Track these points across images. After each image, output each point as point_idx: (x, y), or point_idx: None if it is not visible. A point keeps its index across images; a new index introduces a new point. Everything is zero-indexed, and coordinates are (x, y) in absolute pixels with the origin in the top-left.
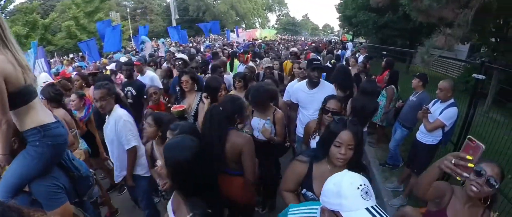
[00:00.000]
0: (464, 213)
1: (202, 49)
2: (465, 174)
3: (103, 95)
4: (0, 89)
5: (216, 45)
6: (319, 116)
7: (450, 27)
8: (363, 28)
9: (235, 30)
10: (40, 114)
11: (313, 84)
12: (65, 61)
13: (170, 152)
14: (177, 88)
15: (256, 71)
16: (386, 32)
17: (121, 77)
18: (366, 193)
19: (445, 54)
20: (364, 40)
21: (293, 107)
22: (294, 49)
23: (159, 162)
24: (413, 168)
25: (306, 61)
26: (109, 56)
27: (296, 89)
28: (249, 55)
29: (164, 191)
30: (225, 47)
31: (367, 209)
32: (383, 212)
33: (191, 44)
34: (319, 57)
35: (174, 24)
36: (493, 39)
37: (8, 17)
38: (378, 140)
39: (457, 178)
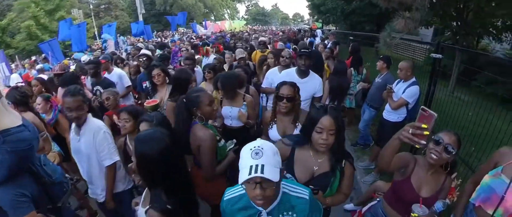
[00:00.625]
0: (427, 180)
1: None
2: (423, 141)
3: (79, 103)
4: None
5: (184, 38)
6: (274, 104)
7: (409, 11)
8: (332, 16)
9: (203, 22)
10: (4, 119)
11: (303, 73)
12: (26, 65)
13: (138, 144)
14: (144, 85)
15: (229, 63)
16: (354, 19)
17: (84, 79)
18: (256, 153)
19: (411, 38)
20: (334, 27)
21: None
22: (263, 38)
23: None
24: (382, 145)
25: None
26: (72, 56)
27: (286, 77)
28: (219, 46)
29: (140, 186)
30: (192, 40)
31: (250, 166)
32: (263, 169)
33: (159, 39)
34: (287, 47)
35: (140, 19)
36: (454, 23)
37: None
38: (349, 122)
39: (416, 146)
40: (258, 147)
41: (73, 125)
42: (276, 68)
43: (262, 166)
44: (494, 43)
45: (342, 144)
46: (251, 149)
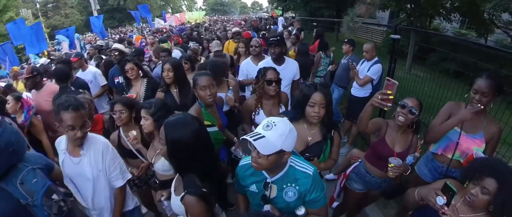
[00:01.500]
0: (398, 138)
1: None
2: (389, 104)
3: (84, 119)
4: None
5: (145, 33)
6: (260, 89)
7: None
8: (292, 2)
9: (162, 15)
10: None
11: (278, 60)
12: None
13: (170, 130)
14: (117, 80)
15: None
16: (313, 5)
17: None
18: (267, 125)
19: (369, 21)
20: (293, 14)
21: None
22: (236, 28)
23: (134, 132)
24: (352, 119)
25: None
26: (28, 60)
27: (263, 66)
28: (179, 39)
29: (138, 179)
30: (156, 34)
31: (255, 132)
32: (258, 139)
33: (117, 36)
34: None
35: (95, 15)
36: (408, 6)
37: None
38: None
39: (385, 108)
40: (273, 122)
41: (63, 144)
42: (248, 59)
43: (261, 137)
44: (445, 23)
45: (331, 116)
46: (267, 120)
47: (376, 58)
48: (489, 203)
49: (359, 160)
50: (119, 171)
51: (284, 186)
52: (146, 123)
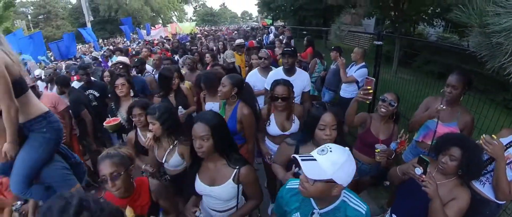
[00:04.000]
0: (382, 128)
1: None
2: (369, 97)
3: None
4: (4, 77)
5: (134, 45)
6: (268, 104)
7: (354, 8)
8: (281, 12)
9: (146, 27)
10: (39, 103)
11: (289, 71)
12: None
13: (209, 119)
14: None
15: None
16: (302, 14)
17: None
18: (322, 150)
19: (356, 29)
20: (282, 23)
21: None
22: (240, 40)
23: (150, 134)
24: (343, 118)
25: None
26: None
27: (274, 77)
28: (167, 53)
29: (152, 175)
30: (148, 46)
31: (309, 154)
32: (308, 161)
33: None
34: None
35: (89, 26)
36: (392, 13)
37: None
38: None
39: (366, 102)
40: (330, 148)
41: None
42: (255, 70)
43: (312, 159)
44: (428, 28)
45: (343, 136)
46: (325, 145)
47: (363, 63)
48: (457, 167)
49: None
50: None
51: None
52: (154, 127)
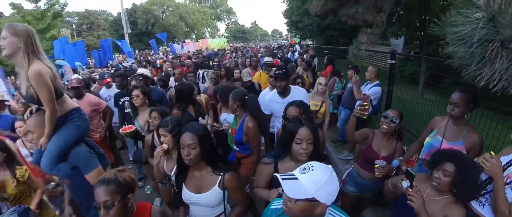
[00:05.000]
0: (384, 144)
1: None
2: (366, 113)
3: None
4: (50, 88)
5: (165, 57)
6: (283, 125)
7: (371, 28)
8: (309, 31)
9: (179, 41)
10: (71, 101)
11: (282, 93)
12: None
13: (199, 131)
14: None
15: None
16: (329, 33)
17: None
18: (304, 168)
19: (381, 49)
20: (311, 42)
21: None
22: (269, 58)
23: (165, 146)
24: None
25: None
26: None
27: (269, 100)
28: (183, 69)
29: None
30: (175, 59)
31: (290, 173)
32: (289, 180)
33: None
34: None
35: (126, 38)
36: (419, 33)
37: None
38: (330, 124)
39: (363, 117)
40: (311, 166)
41: None
42: (267, 88)
43: (293, 178)
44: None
45: (319, 149)
46: (307, 164)
47: (377, 82)
48: (452, 184)
49: (353, 166)
50: None
51: None
52: (166, 139)
